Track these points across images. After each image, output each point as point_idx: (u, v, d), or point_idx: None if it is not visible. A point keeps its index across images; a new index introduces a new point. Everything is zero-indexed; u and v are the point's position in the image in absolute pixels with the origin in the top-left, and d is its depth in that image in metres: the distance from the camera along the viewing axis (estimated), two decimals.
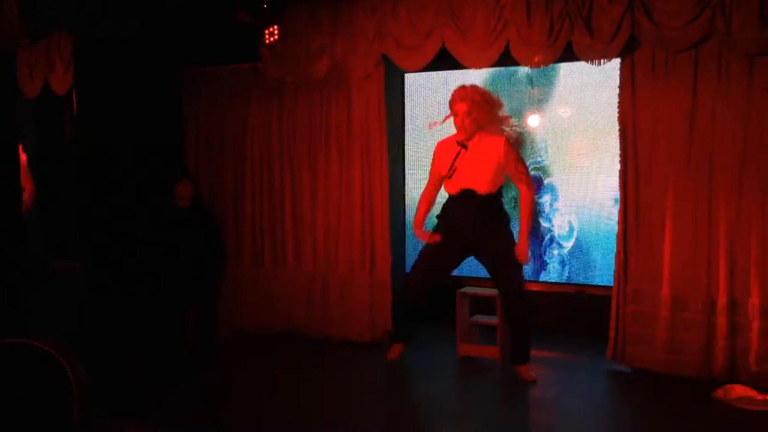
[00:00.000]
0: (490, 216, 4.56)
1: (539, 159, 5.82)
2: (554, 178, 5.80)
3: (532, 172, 5.73)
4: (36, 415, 2.26)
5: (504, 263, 4.58)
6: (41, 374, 2.38)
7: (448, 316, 5.25)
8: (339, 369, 5.03)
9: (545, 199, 5.82)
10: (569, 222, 5.75)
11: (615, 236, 4.89)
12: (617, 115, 4.81)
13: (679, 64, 4.56)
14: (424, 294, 4.83)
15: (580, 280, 5.76)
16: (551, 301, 5.80)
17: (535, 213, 5.67)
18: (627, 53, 4.69)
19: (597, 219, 5.64)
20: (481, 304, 5.29)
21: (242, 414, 4.14)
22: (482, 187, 4.48)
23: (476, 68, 5.22)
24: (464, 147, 4.51)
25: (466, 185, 4.52)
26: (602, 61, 4.72)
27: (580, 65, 5.44)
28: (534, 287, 5.81)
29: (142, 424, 2.07)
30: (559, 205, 5.77)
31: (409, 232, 6.28)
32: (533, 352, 4.83)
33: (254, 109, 5.97)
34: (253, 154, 5.99)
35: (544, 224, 5.83)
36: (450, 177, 4.53)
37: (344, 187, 5.65)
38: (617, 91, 4.82)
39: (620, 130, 4.79)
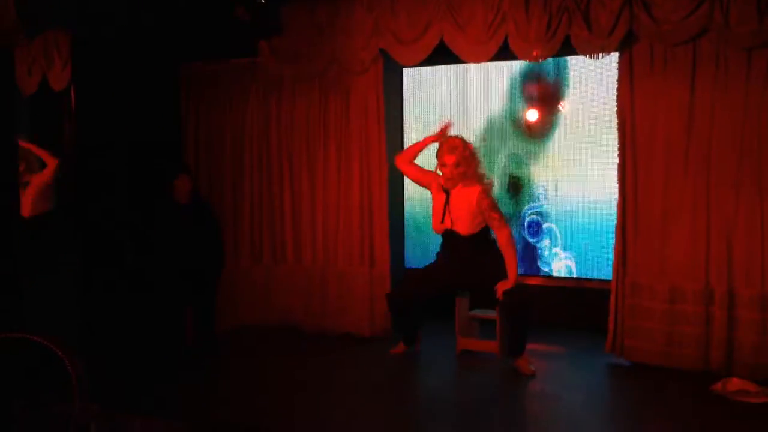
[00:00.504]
0: (477, 251, 4.74)
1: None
2: (552, 175, 5.82)
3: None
4: (36, 407, 2.27)
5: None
6: (41, 368, 2.39)
7: (447, 311, 5.25)
8: (338, 363, 5.04)
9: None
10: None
11: (614, 230, 4.90)
12: (615, 109, 4.82)
13: (678, 58, 4.57)
14: (408, 308, 4.97)
15: (580, 273, 5.77)
16: (550, 295, 5.81)
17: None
18: (625, 47, 4.69)
19: (596, 214, 5.65)
20: (480, 299, 5.30)
21: (241, 407, 4.15)
22: (463, 229, 4.71)
23: (475, 62, 5.23)
24: (447, 192, 4.74)
25: (449, 227, 4.75)
26: (601, 55, 4.73)
27: (579, 67, 5.48)
28: (533, 281, 5.83)
29: (140, 417, 2.08)
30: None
31: (408, 229, 6.29)
32: (532, 346, 4.84)
33: (253, 106, 5.97)
34: (252, 150, 5.99)
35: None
36: (443, 221, 4.78)
37: (343, 182, 5.66)
38: (615, 85, 4.83)
39: (619, 124, 4.79)
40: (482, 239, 4.76)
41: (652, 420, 3.93)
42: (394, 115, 5.98)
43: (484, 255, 4.75)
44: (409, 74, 6.20)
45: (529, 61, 5.06)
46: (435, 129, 4.97)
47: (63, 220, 5.41)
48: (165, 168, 5.70)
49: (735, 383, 4.24)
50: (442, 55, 5.25)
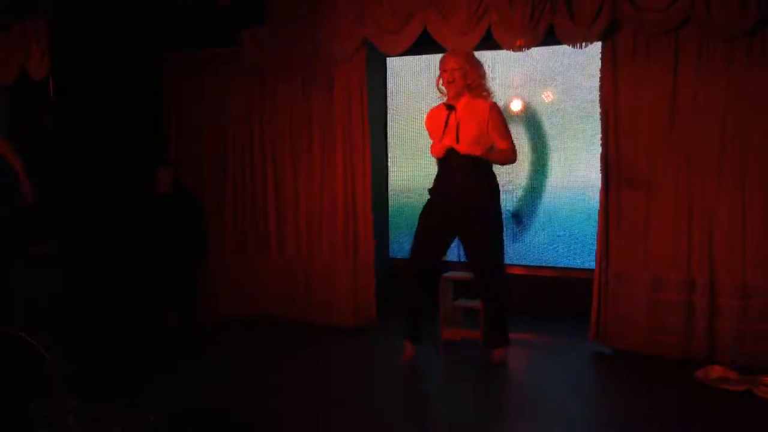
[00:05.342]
0: (475, 176, 4.40)
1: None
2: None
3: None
4: (11, 401, 2.24)
5: (481, 237, 4.47)
6: (16, 361, 2.36)
7: (431, 301, 5.24)
8: (322, 354, 5.02)
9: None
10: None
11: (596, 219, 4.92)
12: (598, 98, 4.81)
13: (660, 47, 4.57)
14: (426, 274, 4.69)
15: (563, 263, 5.79)
16: (534, 284, 5.84)
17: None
18: (608, 37, 4.69)
19: (579, 202, 5.67)
20: (465, 289, 5.30)
21: (223, 399, 4.14)
22: (464, 146, 4.35)
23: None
24: (453, 108, 4.42)
25: (449, 144, 4.40)
26: (584, 44, 4.72)
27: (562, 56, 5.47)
28: (517, 270, 5.85)
29: (118, 409, 2.07)
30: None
31: (392, 219, 6.29)
32: (517, 335, 4.85)
33: (235, 96, 5.92)
34: (235, 140, 5.95)
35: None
36: (441, 139, 4.44)
37: (327, 172, 5.63)
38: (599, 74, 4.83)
39: (601, 113, 4.79)
40: (481, 163, 4.36)
41: (635, 407, 3.95)
42: (377, 105, 5.96)
43: (483, 183, 4.41)
44: (393, 63, 6.17)
45: (513, 51, 5.03)
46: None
47: (45, 212, 5.36)
48: (147, 157, 5.66)
49: (717, 371, 4.27)
50: (427, 44, 5.23)
